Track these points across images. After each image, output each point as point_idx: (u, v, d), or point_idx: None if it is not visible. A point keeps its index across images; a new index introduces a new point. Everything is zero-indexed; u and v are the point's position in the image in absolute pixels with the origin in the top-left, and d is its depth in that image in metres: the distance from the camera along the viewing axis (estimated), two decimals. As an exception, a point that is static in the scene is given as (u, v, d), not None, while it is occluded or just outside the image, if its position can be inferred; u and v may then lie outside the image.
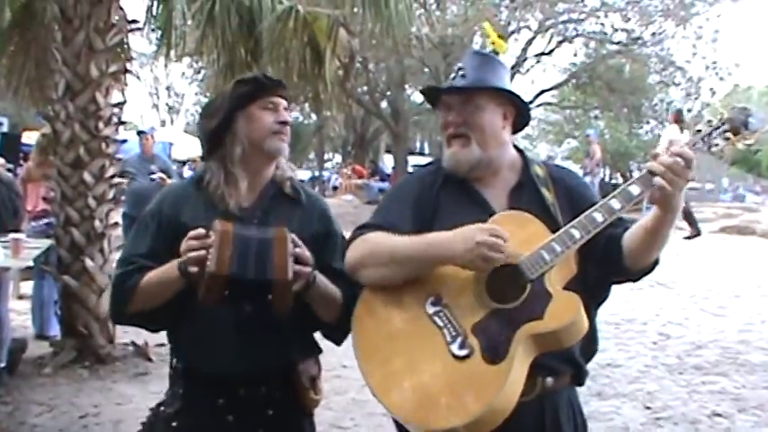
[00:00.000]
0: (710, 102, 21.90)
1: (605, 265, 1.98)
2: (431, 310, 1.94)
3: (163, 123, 37.39)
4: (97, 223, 5.82)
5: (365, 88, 21.80)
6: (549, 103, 27.32)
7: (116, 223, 6.20)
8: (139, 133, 9.74)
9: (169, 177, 8.82)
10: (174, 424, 2.22)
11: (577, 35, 21.44)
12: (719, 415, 4.76)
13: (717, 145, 1.93)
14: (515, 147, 2.20)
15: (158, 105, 41.18)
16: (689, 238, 11.82)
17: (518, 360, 1.81)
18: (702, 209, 17.50)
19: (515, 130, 2.19)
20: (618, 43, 21.09)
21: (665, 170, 1.82)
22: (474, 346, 1.85)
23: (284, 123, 2.26)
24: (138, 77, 8.45)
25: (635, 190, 1.91)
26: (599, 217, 1.91)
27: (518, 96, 2.14)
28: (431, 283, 1.97)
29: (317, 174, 35.05)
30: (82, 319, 5.74)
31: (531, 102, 21.62)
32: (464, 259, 1.88)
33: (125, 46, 6.35)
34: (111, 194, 5.97)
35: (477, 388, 1.80)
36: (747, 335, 6.64)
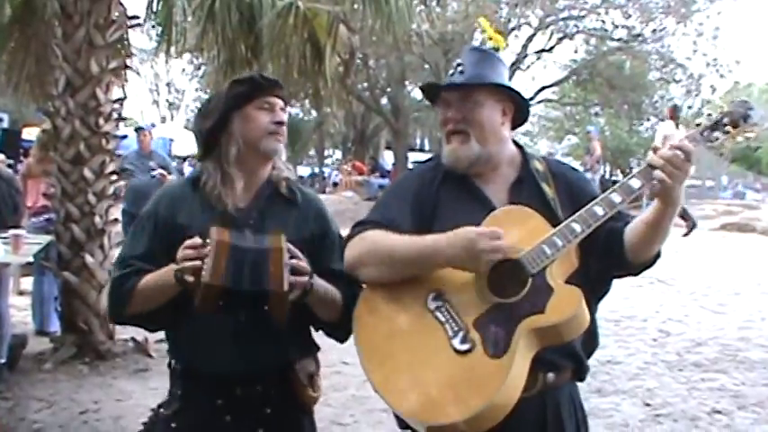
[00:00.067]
0: (711, 99, 21.88)
1: (606, 259, 1.99)
2: (432, 305, 1.94)
3: (163, 120, 37.39)
4: (97, 219, 5.82)
5: (365, 85, 21.78)
6: (550, 100, 27.34)
7: (116, 219, 6.21)
8: (137, 129, 9.73)
9: (169, 173, 8.81)
10: (173, 425, 2.22)
11: (578, 32, 21.45)
12: (719, 412, 4.76)
13: (717, 138, 1.93)
14: (515, 142, 2.20)
15: (159, 102, 41.22)
16: (687, 234, 11.81)
17: (520, 354, 1.82)
18: (703, 206, 17.52)
19: (514, 126, 2.18)
20: (618, 40, 21.09)
21: (664, 163, 1.82)
22: (476, 341, 1.85)
23: (280, 124, 2.25)
24: (138, 74, 8.48)
25: (635, 183, 1.91)
26: (600, 211, 1.91)
27: (517, 92, 2.13)
28: (432, 279, 1.97)
29: (317, 170, 35.06)
30: (82, 316, 5.74)
31: (531, 98, 21.61)
32: (465, 265, 1.89)
33: (125, 42, 6.34)
34: (111, 191, 5.97)
35: (478, 382, 1.81)
36: (747, 332, 6.64)
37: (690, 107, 21.30)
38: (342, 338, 2.25)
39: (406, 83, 22.87)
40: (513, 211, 2.02)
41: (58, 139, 5.82)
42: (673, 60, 21.38)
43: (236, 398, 2.19)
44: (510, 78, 2.22)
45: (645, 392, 5.12)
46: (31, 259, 5.31)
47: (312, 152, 38.69)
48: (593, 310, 2.00)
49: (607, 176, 27.94)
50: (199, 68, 21.76)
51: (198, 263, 2.00)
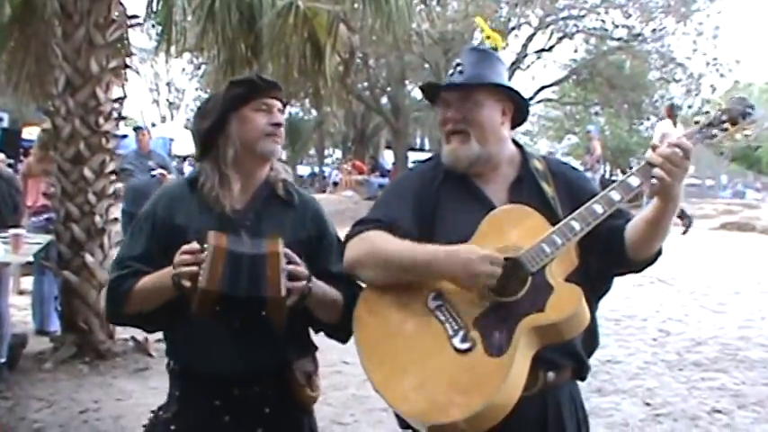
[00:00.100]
0: (711, 98, 21.85)
1: (608, 257, 1.99)
2: (432, 304, 1.94)
3: (163, 119, 37.40)
4: (97, 219, 5.82)
5: (365, 84, 21.75)
6: (550, 100, 27.33)
7: (116, 219, 6.21)
8: (135, 129, 9.74)
9: (168, 173, 8.82)
10: (172, 427, 2.22)
11: (578, 31, 21.41)
12: (719, 411, 4.76)
13: (715, 136, 1.93)
14: (514, 141, 2.20)
15: (159, 101, 41.21)
16: (685, 232, 11.80)
17: (520, 353, 1.82)
18: (703, 205, 17.51)
19: (514, 126, 2.19)
20: (618, 39, 21.06)
21: (663, 161, 1.83)
22: (476, 340, 1.86)
23: (277, 125, 2.24)
24: (138, 73, 8.48)
25: (634, 181, 1.92)
26: (599, 209, 1.92)
27: (516, 92, 2.14)
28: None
29: (317, 169, 35.04)
30: (82, 315, 5.74)
31: (531, 98, 21.61)
32: (461, 282, 1.90)
33: (125, 41, 6.34)
34: (111, 190, 5.97)
35: (479, 382, 1.81)
36: (747, 331, 6.64)
37: (690, 107, 21.27)
38: (343, 339, 2.24)
39: (406, 82, 22.85)
40: (513, 210, 2.02)
41: (58, 138, 5.82)
42: (673, 60, 21.35)
43: (235, 398, 2.19)
44: (510, 78, 2.22)
45: (645, 392, 5.12)
46: (31, 259, 5.31)
47: (312, 151, 38.67)
48: (593, 309, 2.00)
49: (607, 176, 27.91)
50: (199, 68, 21.73)
51: (195, 268, 2.00)
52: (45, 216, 6.50)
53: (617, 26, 20.71)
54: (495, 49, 2.21)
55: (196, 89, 28.37)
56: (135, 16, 6.29)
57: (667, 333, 6.64)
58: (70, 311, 5.79)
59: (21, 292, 7.65)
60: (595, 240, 1.95)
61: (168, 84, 40.54)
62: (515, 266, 1.90)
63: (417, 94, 23.55)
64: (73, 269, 5.74)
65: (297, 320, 2.13)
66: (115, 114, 6.01)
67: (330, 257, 2.25)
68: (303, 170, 33.99)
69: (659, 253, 1.99)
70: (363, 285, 2.09)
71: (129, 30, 6.32)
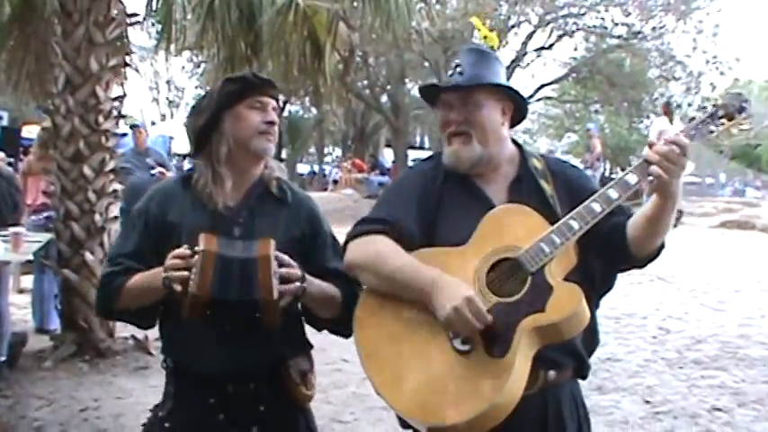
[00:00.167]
0: (711, 96, 21.82)
1: (610, 254, 2.00)
2: (432, 305, 1.94)
3: (163, 117, 37.37)
4: (97, 217, 5.82)
5: (365, 82, 21.74)
6: (550, 98, 27.32)
7: (116, 217, 6.19)
8: (132, 127, 9.73)
9: (167, 170, 8.81)
10: (166, 425, 2.23)
11: (578, 29, 21.41)
12: (719, 409, 4.76)
13: (712, 132, 1.93)
14: (513, 141, 2.20)
15: (158, 99, 41.17)
16: (675, 225, 11.78)
17: (521, 353, 1.81)
18: (703, 203, 17.50)
19: (513, 124, 2.19)
20: (618, 37, 21.05)
21: (660, 158, 1.83)
22: (476, 341, 1.85)
23: (271, 123, 2.24)
24: (137, 71, 8.46)
25: (632, 179, 1.92)
26: (597, 207, 1.92)
27: (515, 91, 2.14)
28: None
29: (316, 168, 35.03)
30: (82, 313, 5.74)
31: (531, 96, 21.64)
32: (445, 320, 1.85)
33: (125, 40, 6.33)
34: (110, 188, 5.97)
35: (480, 383, 1.80)
36: (747, 329, 6.64)
37: (690, 104, 21.25)
38: (346, 334, 2.24)
39: (406, 80, 22.84)
40: (512, 209, 2.02)
41: (57, 136, 5.82)
42: (672, 58, 21.35)
43: (229, 396, 2.19)
44: (510, 76, 2.23)
45: (645, 390, 5.12)
46: (30, 257, 5.31)
47: (312, 150, 38.67)
48: (593, 307, 2.00)
49: (607, 174, 27.94)
50: (198, 66, 21.72)
51: (185, 273, 2.00)
52: (45, 214, 6.50)
53: (617, 24, 20.72)
54: (493, 48, 2.21)
55: (196, 87, 28.31)
56: (135, 14, 6.28)
57: (667, 331, 6.64)
58: (70, 310, 5.78)
59: (21, 291, 7.65)
60: (595, 238, 1.95)
61: (168, 82, 40.53)
62: (515, 266, 1.90)
63: (417, 92, 23.51)
64: (73, 267, 5.74)
65: (291, 319, 2.13)
66: (115, 113, 6.00)
67: (326, 254, 2.25)
68: (303, 168, 33.97)
69: (662, 247, 2.00)
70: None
71: (129, 28, 6.30)
